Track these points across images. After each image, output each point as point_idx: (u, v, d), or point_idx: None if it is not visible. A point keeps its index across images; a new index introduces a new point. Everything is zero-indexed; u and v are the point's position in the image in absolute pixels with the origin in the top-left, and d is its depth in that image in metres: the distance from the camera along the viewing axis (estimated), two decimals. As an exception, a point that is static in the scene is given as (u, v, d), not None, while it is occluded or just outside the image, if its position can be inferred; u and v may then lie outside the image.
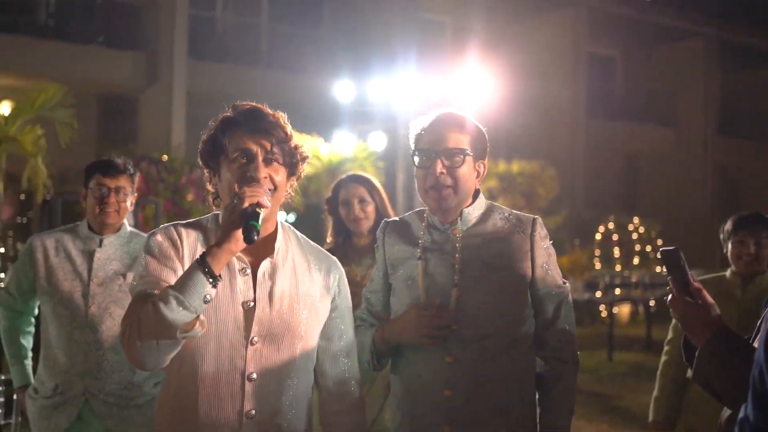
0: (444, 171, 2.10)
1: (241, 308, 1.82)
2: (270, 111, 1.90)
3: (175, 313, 1.66)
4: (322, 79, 12.78)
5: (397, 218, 2.33)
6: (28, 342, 3.09)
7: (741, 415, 1.36)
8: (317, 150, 11.02)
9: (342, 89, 11.38)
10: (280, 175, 1.86)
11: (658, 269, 14.75)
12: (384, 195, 3.30)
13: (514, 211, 2.24)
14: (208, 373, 1.79)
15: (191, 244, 1.86)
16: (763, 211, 3.12)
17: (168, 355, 1.73)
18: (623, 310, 13.66)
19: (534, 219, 2.20)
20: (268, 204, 1.76)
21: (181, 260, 1.83)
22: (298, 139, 1.95)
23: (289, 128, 1.91)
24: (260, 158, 1.83)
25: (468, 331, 2.08)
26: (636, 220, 15.61)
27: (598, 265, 14.48)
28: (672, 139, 20.00)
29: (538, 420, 2.19)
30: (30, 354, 3.10)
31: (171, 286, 1.71)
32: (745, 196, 21.44)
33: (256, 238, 1.71)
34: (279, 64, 14.63)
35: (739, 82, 21.39)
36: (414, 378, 2.13)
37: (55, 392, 2.79)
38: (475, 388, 2.07)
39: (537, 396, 2.20)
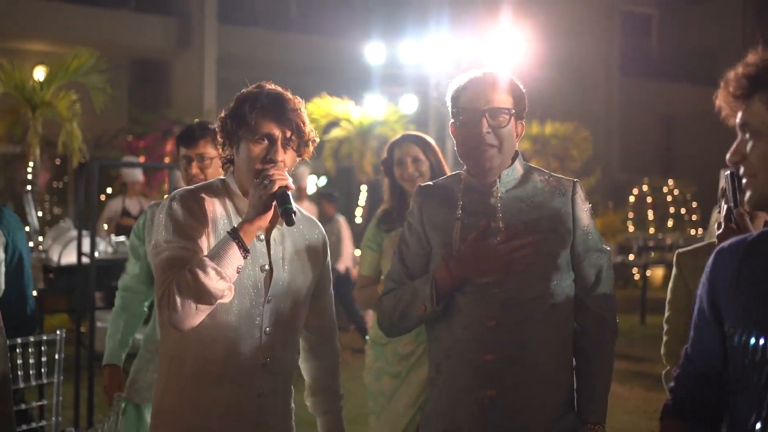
0: (490, 130, 2.07)
1: (259, 271, 2.02)
2: (291, 97, 2.05)
3: (214, 282, 1.85)
4: (353, 41, 12.68)
5: (431, 182, 2.28)
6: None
7: None
8: (348, 113, 10.98)
9: (373, 51, 11.27)
10: (290, 158, 2.04)
11: (692, 232, 14.55)
12: (439, 153, 3.25)
13: (554, 174, 2.21)
14: (231, 328, 1.99)
15: (210, 209, 2.00)
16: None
17: (202, 317, 1.91)
18: (656, 273, 13.53)
19: (575, 182, 2.16)
20: (293, 186, 1.95)
21: (205, 225, 1.98)
22: (311, 125, 2.09)
23: (305, 116, 2.07)
24: (280, 143, 2.00)
25: (510, 294, 2.05)
26: (671, 182, 15.38)
27: (631, 228, 14.33)
28: (709, 98, 19.46)
29: (575, 388, 2.16)
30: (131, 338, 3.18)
31: (207, 257, 1.88)
32: (784, 156, 20.94)
33: (295, 218, 1.91)
34: (310, 27, 14.54)
35: (780, 39, 20.77)
36: (454, 341, 2.10)
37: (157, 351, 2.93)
38: (517, 353, 2.05)
39: (574, 362, 2.18)
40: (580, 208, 2.13)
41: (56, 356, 3.27)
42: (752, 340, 1.40)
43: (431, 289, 2.08)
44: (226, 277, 1.87)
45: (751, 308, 1.42)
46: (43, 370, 3.24)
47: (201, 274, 1.84)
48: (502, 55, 10.21)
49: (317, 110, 10.88)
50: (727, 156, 1.44)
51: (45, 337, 3.26)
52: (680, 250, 3.09)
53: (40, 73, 9.41)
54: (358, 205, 11.58)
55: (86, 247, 5.08)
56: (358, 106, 11.13)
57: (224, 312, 1.97)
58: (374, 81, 11.47)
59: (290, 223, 1.92)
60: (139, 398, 3.10)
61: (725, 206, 1.76)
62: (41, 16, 12.05)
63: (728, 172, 1.76)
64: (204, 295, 1.85)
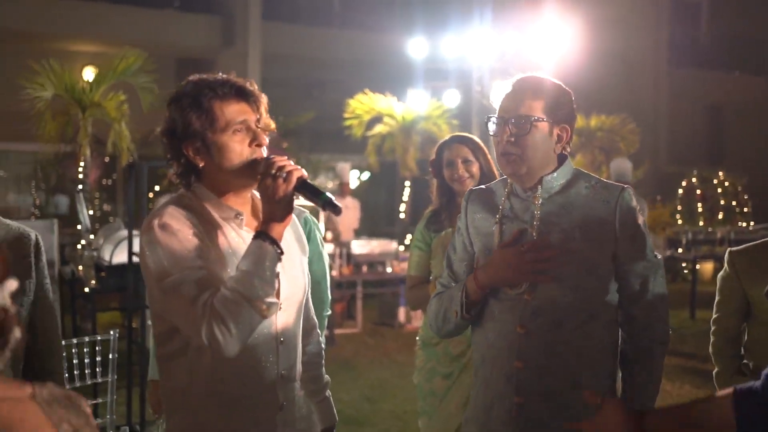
0: (511, 139, 2.06)
1: None
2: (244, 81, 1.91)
3: (263, 293, 1.73)
4: (396, 36, 12.68)
5: (483, 186, 2.29)
6: None
7: None
8: (391, 109, 10.97)
9: (415, 46, 11.23)
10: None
11: (743, 224, 14.21)
12: (488, 154, 3.26)
13: (603, 180, 2.15)
14: (248, 345, 1.83)
15: (197, 222, 1.84)
16: None
17: (254, 331, 1.81)
18: (706, 267, 13.24)
19: (622, 188, 2.10)
20: (306, 173, 1.81)
21: (202, 239, 1.81)
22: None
23: (264, 97, 1.93)
24: (255, 124, 1.87)
25: (542, 302, 2.03)
26: (721, 173, 15.03)
27: (680, 221, 14.06)
28: (761, 87, 19.07)
29: (619, 397, 2.12)
30: None
31: (245, 270, 1.74)
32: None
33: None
34: (352, 22, 14.57)
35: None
36: (488, 347, 2.12)
37: None
38: (547, 361, 2.03)
39: (619, 372, 2.14)
40: (624, 216, 2.06)
41: (110, 356, 3.35)
42: None
43: (461, 296, 2.11)
44: (271, 284, 1.74)
45: None
46: (98, 369, 3.32)
47: (243, 288, 1.71)
48: (546, 48, 10.09)
49: (360, 106, 10.90)
50: None
51: (99, 337, 3.34)
52: (732, 249, 2.99)
53: (89, 74, 9.61)
54: (401, 201, 11.57)
55: (136, 246, 5.18)
56: (400, 102, 11.12)
57: None
58: (417, 76, 11.43)
59: (338, 212, 1.79)
60: None
61: None
62: (89, 17, 12.30)
63: None
64: (257, 309, 1.72)
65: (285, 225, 1.81)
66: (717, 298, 3.00)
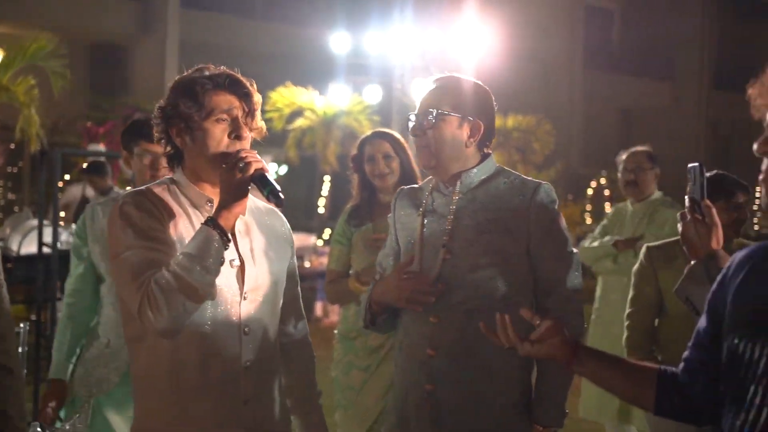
0: (417, 133, 2.14)
1: (229, 267, 1.87)
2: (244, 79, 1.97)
3: (200, 277, 1.74)
4: (318, 30, 12.65)
5: (416, 185, 2.35)
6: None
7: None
8: (312, 103, 10.95)
9: (338, 41, 11.25)
10: (247, 140, 1.93)
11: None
12: (409, 151, 3.29)
13: (523, 176, 2.19)
14: (208, 332, 1.84)
15: (166, 207, 1.88)
16: (752, 166, 3.06)
17: (187, 318, 1.79)
18: (613, 265, 13.75)
19: (539, 184, 2.15)
20: (268, 168, 1.84)
21: (165, 224, 1.85)
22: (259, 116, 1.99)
23: (259, 98, 1.97)
24: (241, 119, 1.90)
25: (455, 293, 2.08)
26: (629, 175, 15.64)
27: (589, 221, 14.56)
28: (668, 93, 19.94)
29: (534, 386, 2.17)
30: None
31: (186, 251, 1.76)
32: (736, 151, 21.47)
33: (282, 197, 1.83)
34: (274, 15, 14.44)
35: (737, 34, 21.24)
36: (404, 335, 2.18)
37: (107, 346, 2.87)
38: (459, 350, 2.07)
39: (535, 361, 2.16)
40: (538, 210, 2.11)
41: (19, 349, 3.23)
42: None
43: (367, 305, 2.21)
44: (211, 271, 1.75)
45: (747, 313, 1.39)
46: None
47: (182, 270, 1.72)
48: (467, 47, 10.27)
49: (281, 99, 10.84)
50: (755, 146, 1.41)
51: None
52: (649, 244, 3.09)
53: (-4, 56, 9.20)
54: (320, 195, 11.58)
55: (47, 236, 5.00)
56: (322, 96, 11.12)
57: (198, 315, 1.82)
58: (339, 71, 11.46)
59: (280, 204, 1.82)
60: (89, 393, 3.06)
61: (688, 198, 1.80)
62: (-2, -3, 11.78)
63: (695, 164, 1.79)
64: (191, 293, 1.73)
65: (236, 213, 1.83)
66: (632, 293, 3.07)
